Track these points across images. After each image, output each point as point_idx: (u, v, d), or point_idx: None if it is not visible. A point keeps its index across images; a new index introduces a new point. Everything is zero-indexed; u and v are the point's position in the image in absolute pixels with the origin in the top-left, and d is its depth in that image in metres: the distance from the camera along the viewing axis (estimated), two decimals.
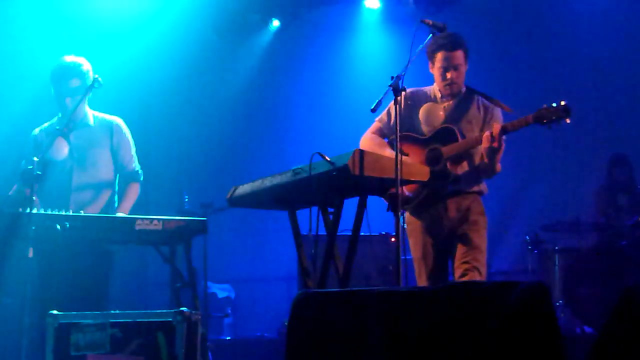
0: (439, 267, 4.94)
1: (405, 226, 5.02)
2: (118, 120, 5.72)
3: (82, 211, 5.10)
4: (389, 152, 4.80)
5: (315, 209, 4.51)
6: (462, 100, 5.07)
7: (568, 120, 4.52)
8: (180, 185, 8.47)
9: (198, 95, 10.17)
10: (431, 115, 5.02)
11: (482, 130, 4.89)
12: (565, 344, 2.72)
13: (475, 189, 4.99)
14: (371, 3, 9.88)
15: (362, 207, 4.38)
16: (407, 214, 5.05)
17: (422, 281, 4.93)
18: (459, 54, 4.97)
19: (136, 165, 5.71)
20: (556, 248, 7.79)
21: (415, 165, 4.35)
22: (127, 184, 5.68)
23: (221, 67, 10.24)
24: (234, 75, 10.42)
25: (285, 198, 4.57)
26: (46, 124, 5.64)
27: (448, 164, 4.82)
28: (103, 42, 8.54)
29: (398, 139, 4.16)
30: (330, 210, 4.49)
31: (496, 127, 4.63)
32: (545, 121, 4.55)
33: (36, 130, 5.61)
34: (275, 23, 10.22)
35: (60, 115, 5.57)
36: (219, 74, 10.31)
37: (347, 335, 3.11)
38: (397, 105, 4.35)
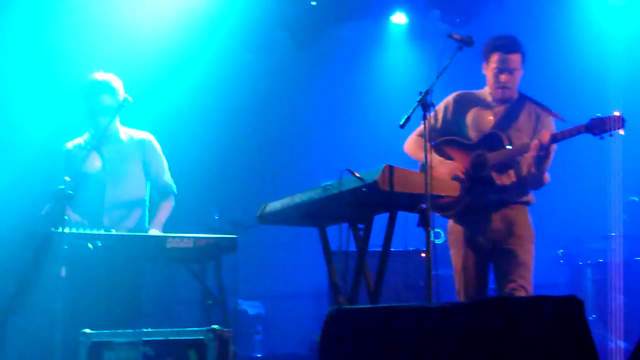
0: (478, 281, 4.83)
1: (447, 236, 4.99)
2: (149, 136, 5.77)
3: (113, 230, 5.13)
4: (437, 160, 4.75)
5: (345, 225, 4.50)
6: (513, 107, 4.95)
7: (622, 132, 4.42)
8: (210, 203, 8.50)
9: (227, 113, 10.19)
10: (479, 120, 4.93)
11: (531, 139, 4.78)
12: (599, 358, 2.70)
13: (523, 199, 4.88)
14: (398, 19, 9.88)
15: (392, 222, 4.37)
16: (450, 223, 4.97)
17: (461, 295, 4.85)
18: (516, 58, 4.86)
19: (169, 179, 5.75)
20: (588, 262, 7.73)
21: (445, 180, 4.32)
22: (161, 198, 5.71)
23: (250, 84, 10.26)
24: (263, 93, 10.44)
25: (315, 214, 4.57)
26: (78, 139, 5.67)
27: (493, 173, 4.74)
28: (132, 58, 8.59)
29: (427, 152, 4.10)
30: (360, 226, 4.49)
31: (545, 135, 4.54)
32: (597, 132, 4.45)
33: (68, 145, 5.64)
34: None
35: (92, 130, 5.60)
36: (248, 91, 10.33)
37: (380, 352, 3.10)
38: (426, 122, 4.24)
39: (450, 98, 5.01)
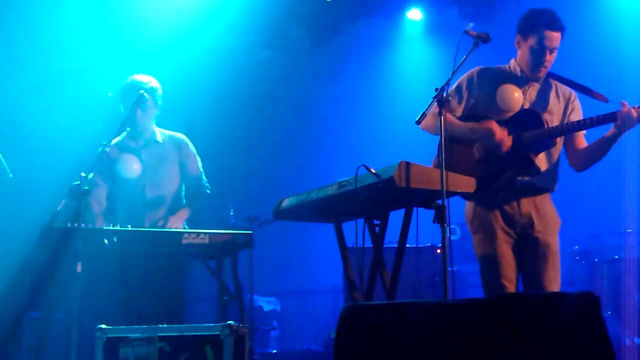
0: (513, 266, 4.53)
1: (469, 222, 4.73)
2: (184, 137, 5.86)
3: (129, 225, 5.14)
4: (459, 125, 4.57)
5: (360, 221, 4.49)
6: (543, 86, 4.71)
7: None
8: (226, 199, 8.51)
9: (244, 109, 10.21)
10: (507, 96, 4.60)
11: (562, 122, 4.61)
12: (615, 354, 2.68)
13: (551, 186, 4.67)
14: (414, 15, 9.86)
15: (408, 218, 4.34)
16: (470, 207, 4.71)
17: (492, 280, 4.54)
18: (559, 36, 4.57)
19: (204, 178, 5.80)
20: (605, 258, 7.71)
21: (460, 176, 4.26)
22: (194, 196, 5.74)
23: (267, 81, 10.28)
24: (280, 89, 10.46)
25: (331, 210, 4.56)
26: (116, 139, 5.69)
27: (531, 153, 4.50)
28: (149, 55, 8.62)
29: (444, 152, 4.07)
30: (376, 222, 4.47)
31: (624, 104, 4.30)
32: None
33: (106, 146, 5.66)
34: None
35: (129, 129, 5.64)
36: (264, 88, 10.35)
37: (396, 349, 3.09)
38: (442, 117, 4.14)
39: (474, 71, 4.73)
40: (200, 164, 5.84)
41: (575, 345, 2.70)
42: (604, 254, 7.86)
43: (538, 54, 4.59)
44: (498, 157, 4.53)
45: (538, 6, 4.67)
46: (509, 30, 4.90)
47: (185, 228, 5.47)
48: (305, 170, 9.71)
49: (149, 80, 5.63)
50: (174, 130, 5.90)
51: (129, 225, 5.10)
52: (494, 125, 4.51)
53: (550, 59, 4.62)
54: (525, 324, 2.81)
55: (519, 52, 4.73)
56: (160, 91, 5.67)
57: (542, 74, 4.66)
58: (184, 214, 5.64)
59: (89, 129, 6.21)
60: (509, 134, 4.52)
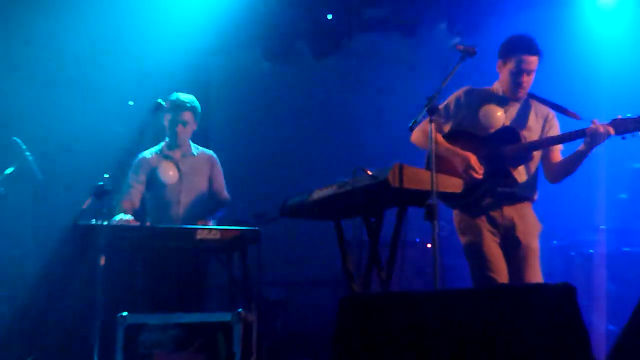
0: (499, 259, 4.56)
1: (457, 225, 4.75)
2: (214, 154, 5.96)
3: (147, 222, 5.15)
4: (444, 147, 4.58)
5: (358, 219, 4.50)
6: (524, 106, 4.75)
7: None
8: (236, 199, 8.51)
9: (252, 118, 10.25)
10: (491, 115, 4.66)
11: (540, 138, 4.65)
12: (590, 340, 2.67)
13: (532, 195, 4.71)
14: (409, 30, 9.83)
15: (401, 216, 4.35)
16: (456, 212, 4.76)
17: (482, 274, 4.56)
18: (536, 59, 4.63)
19: (226, 193, 5.89)
20: (580, 252, 7.70)
21: (449, 178, 4.25)
22: (217, 206, 5.77)
23: (273, 90, 10.31)
24: (284, 99, 10.49)
25: (331, 209, 4.56)
26: (154, 148, 5.74)
27: (509, 167, 4.55)
28: (159, 63, 8.64)
29: (434, 156, 4.07)
30: (372, 219, 4.48)
31: (595, 122, 4.31)
32: (621, 131, 4.29)
33: (146, 153, 5.69)
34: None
35: (167, 140, 5.68)
36: (270, 97, 10.37)
37: (389, 334, 3.08)
38: (433, 125, 4.17)
39: (460, 92, 4.79)
40: (223, 180, 5.97)
41: (554, 331, 2.70)
42: (579, 248, 7.85)
43: (516, 76, 4.63)
44: (475, 171, 4.56)
45: (517, 25, 4.70)
46: (493, 45, 4.91)
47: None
48: (308, 172, 9.67)
49: (192, 99, 5.70)
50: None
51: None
52: (471, 157, 4.54)
53: (528, 80, 4.67)
54: (509, 313, 2.81)
55: (500, 75, 4.77)
56: (198, 110, 5.73)
57: (522, 94, 4.70)
58: (214, 216, 5.70)
59: (109, 132, 6.21)
60: (487, 150, 4.56)
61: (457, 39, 8.68)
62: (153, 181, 5.61)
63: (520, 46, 4.64)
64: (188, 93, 5.85)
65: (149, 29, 9.07)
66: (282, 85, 10.38)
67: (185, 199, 5.63)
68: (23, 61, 9.25)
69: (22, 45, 9.00)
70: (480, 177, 4.53)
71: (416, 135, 4.72)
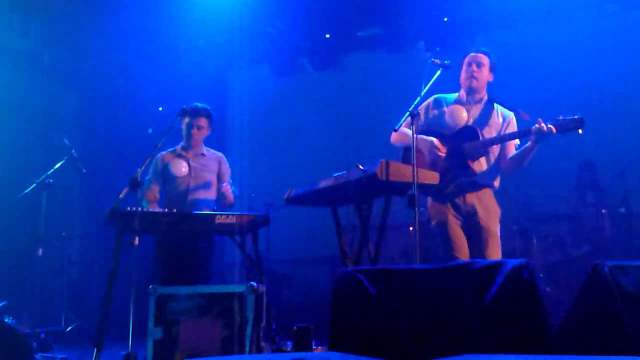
0: (461, 240, 4.58)
1: (429, 211, 4.75)
2: (223, 156, 5.88)
3: (174, 209, 5.15)
4: (419, 137, 4.57)
5: (352, 206, 4.50)
6: (485, 107, 4.76)
7: (580, 131, 4.22)
8: (249, 189, 8.52)
9: (262, 121, 10.29)
10: (455, 115, 4.70)
11: (499, 135, 4.65)
12: (545, 309, 2.68)
13: (491, 183, 4.69)
14: (393, 47, 9.83)
15: (387, 204, 4.35)
16: (430, 200, 4.75)
17: (448, 253, 4.57)
18: (483, 56, 4.72)
19: (233, 189, 5.82)
20: (540, 235, 7.71)
21: (427, 172, 4.25)
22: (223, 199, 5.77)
23: (278, 101, 10.37)
24: (289, 105, 10.52)
25: (329, 198, 4.57)
26: (171, 149, 5.74)
27: (469, 160, 4.55)
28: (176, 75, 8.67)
29: (414, 152, 4.09)
30: (363, 206, 4.48)
31: (539, 121, 4.29)
32: (561, 130, 4.25)
33: (163, 153, 5.68)
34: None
35: (184, 142, 5.68)
36: (277, 103, 10.41)
37: (377, 302, 3.09)
38: (414, 127, 4.20)
39: (431, 99, 4.82)
40: (230, 177, 5.87)
41: (515, 300, 2.71)
42: (536, 232, 7.85)
43: (467, 69, 4.73)
44: (443, 162, 4.57)
45: (486, 41, 4.74)
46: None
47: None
48: (310, 166, 9.69)
49: (208, 108, 5.72)
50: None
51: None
52: (435, 140, 4.60)
53: (478, 72, 4.72)
54: (475, 285, 2.81)
55: (461, 80, 4.83)
56: (213, 118, 5.74)
57: (474, 84, 4.73)
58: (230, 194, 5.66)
59: (142, 133, 6.22)
60: (451, 145, 4.57)
61: (429, 54, 8.70)
62: (166, 175, 5.60)
63: (470, 52, 4.79)
64: (207, 101, 5.86)
65: (177, 47, 9.09)
66: (286, 95, 10.40)
67: (193, 192, 5.60)
68: (71, 72, 9.28)
69: (71, 59, 9.02)
70: (443, 154, 4.56)
71: (395, 137, 4.74)
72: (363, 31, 9.56)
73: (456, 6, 8.75)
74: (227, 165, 5.86)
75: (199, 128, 5.63)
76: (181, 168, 5.57)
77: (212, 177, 5.72)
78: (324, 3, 8.94)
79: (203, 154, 5.74)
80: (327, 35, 9.73)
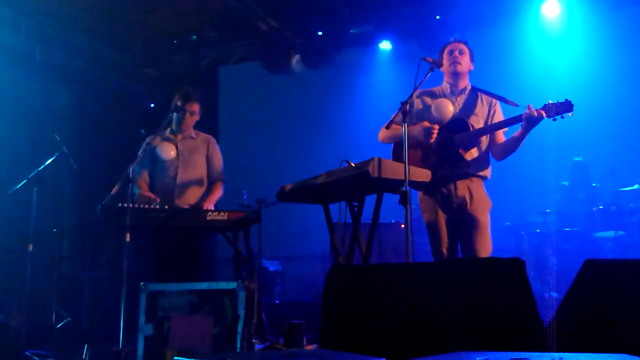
0: (448, 236, 4.55)
1: (420, 205, 4.74)
2: (212, 137, 5.84)
3: (166, 206, 5.14)
4: (410, 128, 4.48)
5: (343, 203, 4.49)
6: (469, 97, 4.74)
7: (570, 114, 4.19)
8: (240, 186, 8.50)
9: (255, 116, 10.29)
10: (442, 108, 4.64)
11: (486, 123, 4.64)
12: (537, 306, 2.69)
13: (481, 173, 4.65)
14: (384, 46, 9.88)
15: (379, 201, 4.35)
16: (420, 194, 4.73)
17: (435, 248, 4.57)
18: (463, 45, 4.72)
19: (222, 171, 5.78)
20: (529, 232, 7.74)
21: (419, 169, 4.25)
22: (214, 183, 5.73)
23: (274, 97, 10.38)
24: (282, 103, 10.54)
25: (320, 194, 4.56)
26: (161, 133, 5.69)
27: (461, 150, 4.53)
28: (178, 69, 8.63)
29: (406, 148, 4.08)
30: (355, 204, 4.47)
31: (529, 107, 4.28)
32: (552, 114, 4.22)
33: (152, 137, 5.62)
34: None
35: (173, 127, 5.65)
36: (271, 102, 10.44)
37: (368, 298, 3.09)
38: (406, 123, 4.18)
39: (415, 94, 4.67)
40: (221, 159, 5.81)
41: (506, 298, 2.71)
42: (528, 228, 7.88)
43: (450, 55, 4.72)
44: (435, 155, 4.55)
45: (473, 39, 4.74)
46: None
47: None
48: (301, 163, 9.69)
49: (199, 93, 5.68)
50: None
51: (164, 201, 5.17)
52: (424, 123, 4.58)
53: (461, 58, 4.71)
54: (468, 282, 2.81)
55: (444, 71, 4.80)
56: (201, 102, 5.72)
57: (459, 69, 4.72)
58: (213, 199, 5.61)
59: (134, 133, 6.19)
60: (443, 138, 4.54)
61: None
62: (155, 159, 5.56)
63: (448, 42, 4.79)
64: (203, 98, 5.83)
65: (169, 42, 9.05)
66: (279, 91, 10.41)
67: (182, 175, 5.56)
68: (62, 68, 9.23)
69: (63, 55, 8.97)
70: (435, 133, 4.52)
71: (384, 134, 4.72)
72: (355, 28, 9.56)
73: (448, 4, 8.78)
74: (217, 147, 5.80)
75: (192, 114, 5.61)
76: (170, 151, 5.53)
77: (202, 160, 5.68)
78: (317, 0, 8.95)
79: (192, 137, 5.71)
80: (320, 33, 9.73)
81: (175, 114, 5.61)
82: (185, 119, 5.60)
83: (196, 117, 5.69)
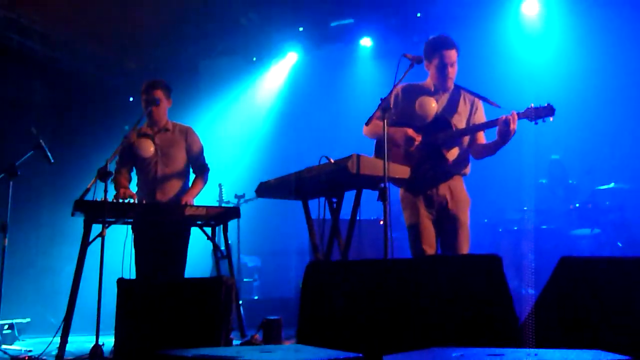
0: (432, 232, 4.54)
1: (400, 202, 4.71)
2: (190, 127, 5.75)
3: (143, 200, 5.11)
4: (393, 129, 4.54)
5: (322, 199, 4.50)
6: (452, 95, 4.72)
7: (552, 119, 4.19)
8: (219, 180, 8.49)
9: (236, 112, 10.26)
10: (425, 106, 4.60)
11: (468, 121, 4.65)
12: (513, 302, 2.70)
13: (463, 171, 4.67)
14: (365, 42, 9.91)
15: (358, 197, 4.35)
16: (402, 191, 4.70)
17: (417, 246, 4.54)
18: (454, 53, 4.64)
19: (204, 160, 5.72)
20: (507, 229, 7.78)
21: (398, 166, 4.26)
22: (196, 175, 5.69)
23: (258, 95, 10.41)
24: (259, 97, 10.54)
25: (300, 190, 4.55)
26: (138, 129, 5.62)
27: (443, 149, 4.54)
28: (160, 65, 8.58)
29: (386, 147, 4.08)
30: (334, 200, 4.48)
31: (513, 114, 4.25)
32: (533, 118, 4.21)
33: (128, 133, 5.55)
34: (293, 55, 10.35)
35: (147, 121, 5.61)
36: (250, 99, 10.43)
37: (346, 294, 3.10)
38: (385, 121, 4.18)
39: (399, 88, 4.70)
40: (201, 147, 5.74)
41: (484, 294, 2.73)
42: (506, 225, 7.92)
43: (442, 70, 4.64)
44: (418, 153, 4.56)
45: (453, 37, 4.71)
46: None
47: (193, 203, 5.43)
48: (280, 159, 9.69)
49: (161, 81, 5.60)
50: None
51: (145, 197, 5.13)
52: (408, 131, 4.56)
53: (452, 71, 4.67)
54: (445, 278, 2.83)
55: (429, 72, 4.75)
56: (170, 90, 5.64)
57: (450, 84, 4.69)
58: (194, 192, 5.57)
59: (112, 123, 6.16)
60: (424, 136, 4.54)
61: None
62: (133, 156, 5.52)
63: (439, 44, 4.65)
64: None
65: (149, 37, 8.99)
66: (259, 86, 10.42)
67: (162, 170, 5.52)
68: (40, 61, 9.15)
69: (41, 47, 8.88)
70: (418, 142, 4.54)
71: (367, 129, 4.68)
72: (336, 22, 9.58)
73: (429, 2, 8.82)
74: (196, 137, 5.72)
75: (157, 102, 5.50)
76: (148, 147, 5.48)
77: (181, 153, 5.62)
78: None
79: (167, 129, 5.64)
80: (301, 29, 9.73)
81: (143, 108, 5.56)
82: (154, 111, 5.52)
83: (165, 104, 5.59)
